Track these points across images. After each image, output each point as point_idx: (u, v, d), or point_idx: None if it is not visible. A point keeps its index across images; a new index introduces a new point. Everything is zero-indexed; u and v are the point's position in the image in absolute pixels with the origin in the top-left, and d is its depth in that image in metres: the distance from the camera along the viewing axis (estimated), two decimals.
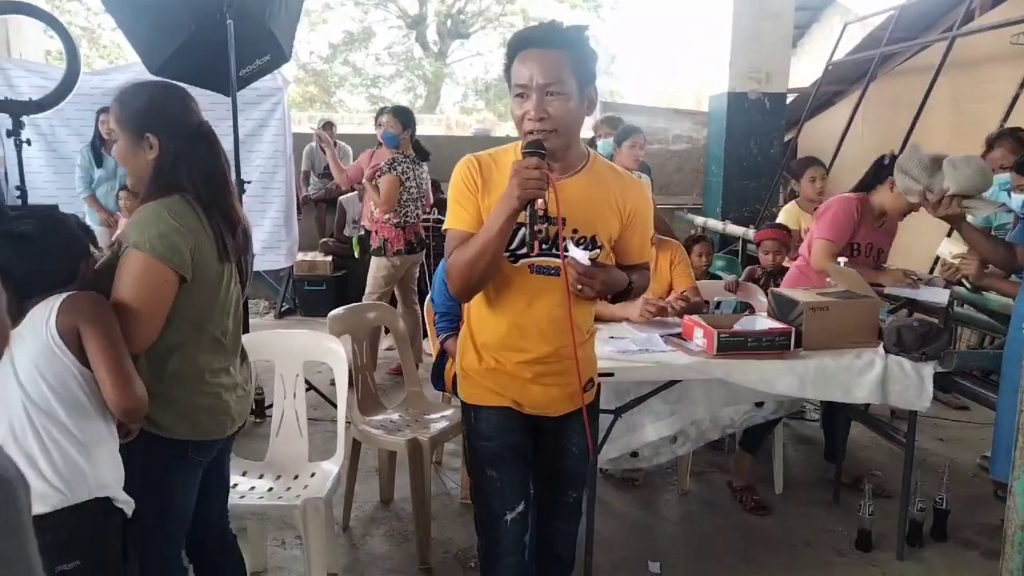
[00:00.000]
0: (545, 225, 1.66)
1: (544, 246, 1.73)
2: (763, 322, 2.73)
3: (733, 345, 2.53)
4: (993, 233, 3.51)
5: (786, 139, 7.24)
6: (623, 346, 2.59)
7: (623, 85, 19.20)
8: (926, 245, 4.65)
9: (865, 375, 2.60)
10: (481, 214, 1.75)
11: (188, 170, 1.74)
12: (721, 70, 6.79)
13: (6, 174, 5.16)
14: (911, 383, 2.61)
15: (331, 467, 2.56)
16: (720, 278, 4.21)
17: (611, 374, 2.37)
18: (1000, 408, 2.73)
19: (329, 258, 6.62)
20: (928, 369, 2.62)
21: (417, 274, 4.97)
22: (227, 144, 3.81)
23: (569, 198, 1.71)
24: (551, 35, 1.68)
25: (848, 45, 7.44)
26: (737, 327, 2.66)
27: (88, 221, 3.43)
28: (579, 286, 1.70)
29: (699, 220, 6.83)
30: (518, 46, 1.69)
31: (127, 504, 1.62)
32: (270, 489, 2.48)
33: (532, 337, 1.80)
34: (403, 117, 4.60)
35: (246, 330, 2.49)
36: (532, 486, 1.89)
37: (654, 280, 3.18)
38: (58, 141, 5.33)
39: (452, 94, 20.19)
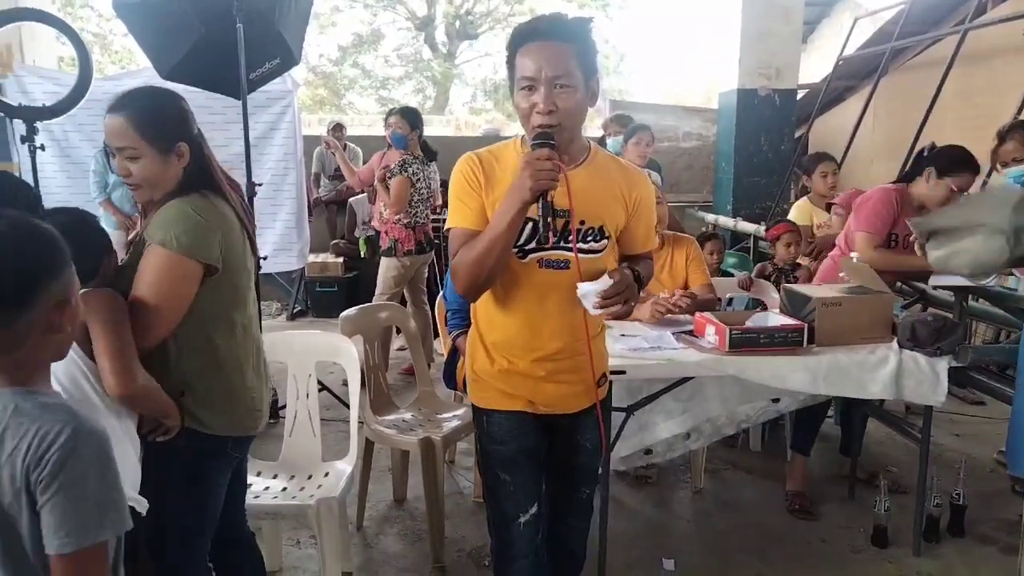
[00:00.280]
0: (553, 219, 1.64)
1: (552, 239, 1.70)
2: (775, 318, 2.72)
3: (745, 342, 2.52)
4: None
5: (796, 135, 7.21)
6: (635, 344, 2.59)
7: (632, 84, 19.19)
8: None
9: (879, 370, 2.58)
10: (485, 211, 1.73)
11: (212, 168, 1.79)
12: (730, 67, 6.76)
13: None
14: (925, 378, 2.59)
15: (344, 467, 2.57)
16: (732, 275, 4.20)
17: (623, 372, 2.37)
18: (1017, 403, 2.70)
19: (340, 259, 6.65)
20: (943, 364, 2.60)
21: (427, 274, 4.99)
22: (238, 147, 3.87)
23: (575, 190, 1.68)
24: (558, 27, 1.66)
25: (858, 40, 7.40)
26: (749, 323, 2.65)
27: (103, 225, 3.45)
28: (610, 309, 1.66)
29: (710, 217, 6.81)
30: (523, 38, 1.67)
31: (137, 503, 1.62)
32: (284, 489, 2.49)
33: (544, 334, 1.78)
34: (411, 118, 4.61)
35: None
36: (544, 485, 1.89)
37: (670, 277, 3.18)
38: (71, 146, 5.37)
39: (461, 95, 20.24)
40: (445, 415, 3.11)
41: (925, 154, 3.12)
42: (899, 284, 3.28)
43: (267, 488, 2.49)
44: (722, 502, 3.31)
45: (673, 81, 18.65)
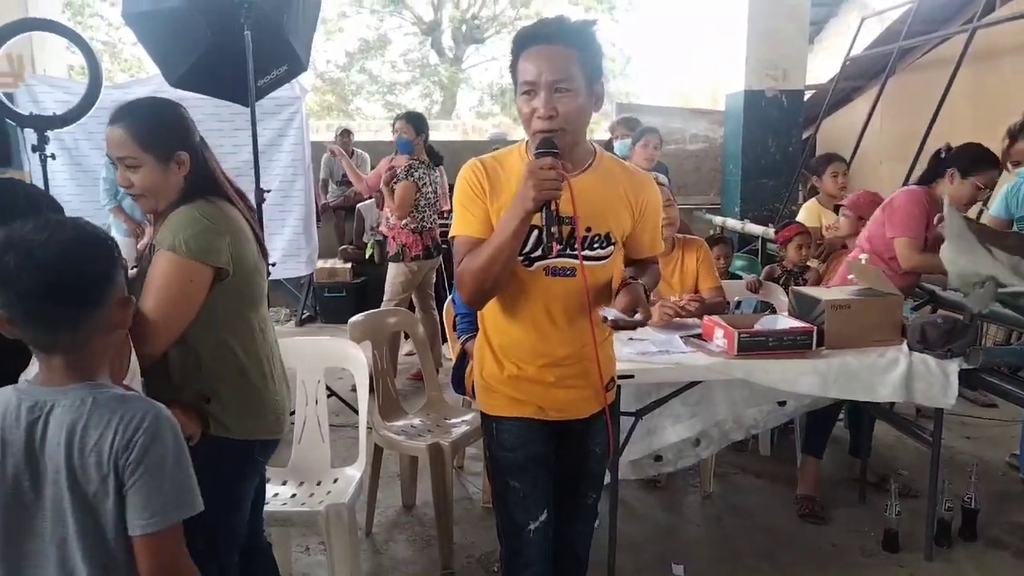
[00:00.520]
0: (559, 226, 1.63)
1: (559, 246, 1.69)
2: (784, 321, 2.71)
3: (754, 345, 2.52)
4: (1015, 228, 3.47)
5: (804, 136, 7.18)
6: (643, 348, 2.58)
7: (639, 86, 19.16)
8: None
9: (889, 373, 2.57)
10: (490, 218, 1.72)
11: (215, 174, 1.80)
12: (737, 68, 6.75)
13: None
14: (936, 381, 2.58)
15: (353, 473, 2.58)
16: (740, 278, 4.19)
17: (631, 376, 2.37)
18: None
19: (348, 265, 6.67)
20: (953, 366, 2.58)
21: (434, 279, 4.99)
22: (246, 154, 3.90)
23: (580, 196, 1.68)
24: (559, 31, 1.65)
25: (866, 40, 7.36)
26: (758, 327, 2.64)
27: (113, 232, 3.48)
28: (633, 325, 1.70)
29: (717, 220, 6.79)
30: (524, 42, 1.66)
31: None
32: (293, 495, 2.50)
33: (552, 340, 1.78)
34: (416, 122, 4.63)
35: None
36: (552, 492, 1.89)
37: (680, 280, 3.17)
38: (81, 155, 5.42)
39: (468, 99, 20.24)
40: (454, 420, 3.11)
41: (943, 155, 3.11)
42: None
43: (276, 495, 2.50)
44: (732, 506, 3.30)
45: (680, 83, 18.64)
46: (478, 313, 1.88)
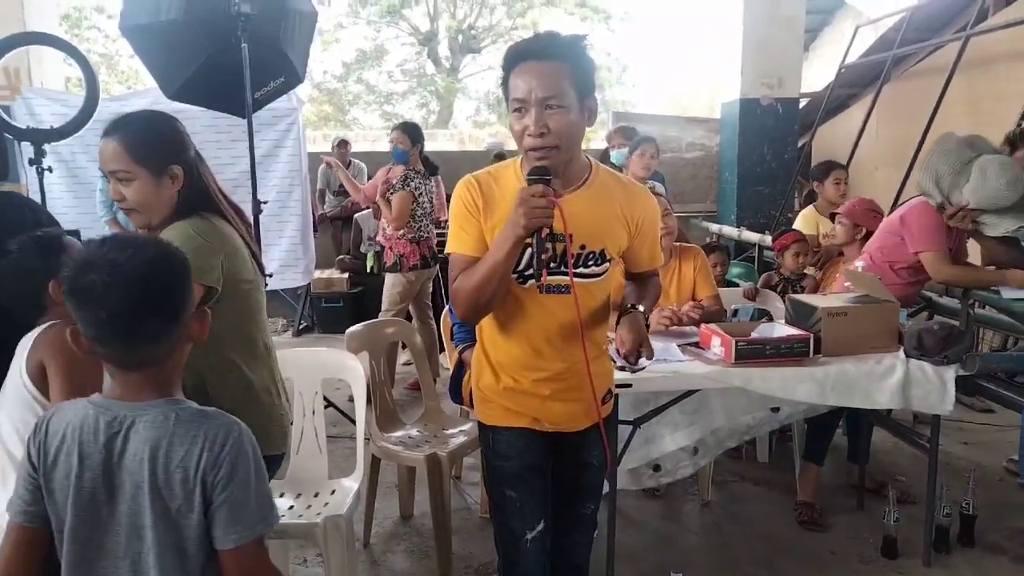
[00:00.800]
0: (552, 244, 1.63)
1: (552, 264, 1.70)
2: (781, 329, 2.72)
3: (751, 353, 2.52)
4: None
5: (800, 144, 7.21)
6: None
7: (635, 95, 19.24)
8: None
9: (886, 380, 2.57)
10: (484, 236, 1.73)
11: (210, 189, 1.78)
12: (733, 77, 6.78)
13: None
14: (933, 387, 2.58)
15: (351, 484, 2.57)
16: (737, 285, 4.20)
17: (629, 385, 2.37)
18: None
19: (346, 275, 6.67)
20: (950, 372, 2.59)
21: (431, 289, 5.00)
22: (244, 165, 3.90)
23: (574, 213, 1.68)
24: (548, 47, 1.63)
25: (860, 48, 7.40)
26: (755, 334, 2.64)
27: None
28: (636, 357, 1.76)
29: (714, 227, 6.80)
30: (514, 59, 1.65)
31: None
32: (291, 507, 2.49)
33: (546, 355, 1.79)
34: (412, 133, 4.64)
35: None
36: (550, 502, 1.89)
37: (679, 287, 3.17)
38: (78, 167, 5.42)
39: (465, 109, 20.33)
40: (451, 430, 3.11)
41: None
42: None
43: None
44: (730, 514, 3.30)
45: (676, 92, 18.70)
46: (477, 325, 1.89)
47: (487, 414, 1.88)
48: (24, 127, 3.95)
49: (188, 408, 1.26)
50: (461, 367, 2.92)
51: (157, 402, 1.24)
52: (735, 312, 3.93)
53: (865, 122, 6.66)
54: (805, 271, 3.95)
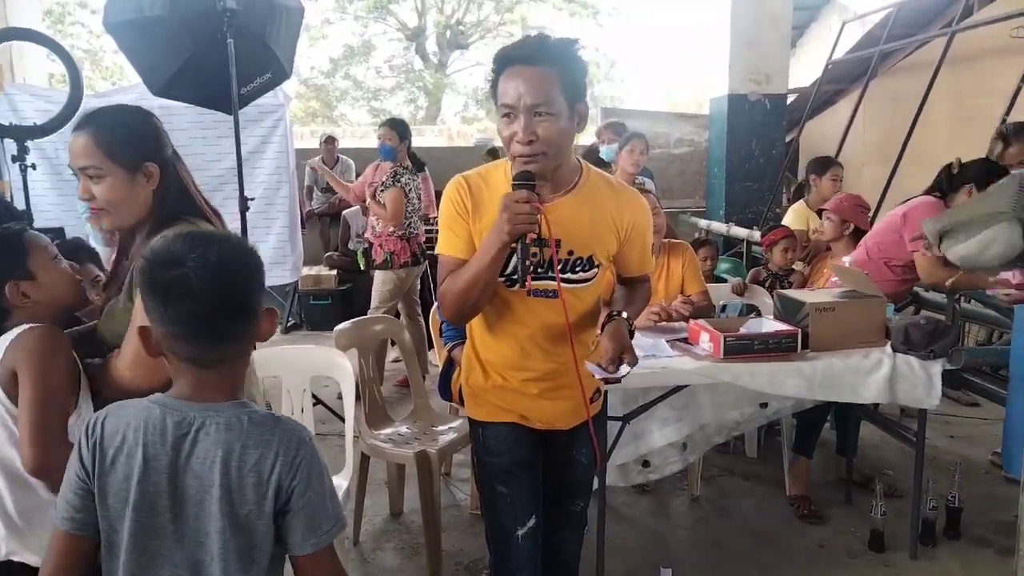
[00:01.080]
0: (539, 249, 1.62)
1: (539, 270, 1.69)
2: (769, 324, 2.73)
3: (740, 348, 2.53)
4: None
5: (787, 140, 7.24)
6: None
7: (624, 90, 19.26)
8: None
9: (873, 375, 2.59)
10: (472, 238, 1.72)
11: (190, 189, 1.67)
12: (721, 72, 6.79)
13: (12, 198, 5.20)
14: (919, 381, 2.60)
15: (340, 482, 2.56)
16: (725, 281, 4.21)
17: (617, 381, 2.36)
18: (1010, 404, 2.72)
19: (334, 272, 6.64)
20: (936, 367, 2.60)
21: (419, 286, 4.98)
22: (230, 162, 3.87)
23: (562, 219, 1.66)
24: (539, 51, 1.59)
25: (847, 44, 7.44)
26: (743, 330, 2.65)
27: (92, 242, 3.46)
28: (618, 365, 1.70)
29: (702, 223, 6.82)
30: (504, 62, 1.61)
31: None
32: None
33: (534, 356, 1.79)
34: (400, 129, 4.63)
35: None
36: (540, 498, 1.89)
37: (668, 283, 3.18)
38: (62, 164, 5.36)
39: (453, 104, 20.28)
40: (441, 428, 3.10)
41: (954, 171, 3.14)
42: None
43: None
44: (719, 509, 3.31)
45: (664, 87, 18.74)
46: (468, 324, 1.89)
47: (477, 410, 1.88)
48: (7, 124, 3.91)
49: (259, 411, 1.22)
50: (451, 364, 2.92)
51: (228, 404, 1.20)
52: (723, 308, 3.94)
53: (852, 118, 6.69)
54: (793, 267, 3.96)
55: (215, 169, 5.18)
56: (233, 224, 3.73)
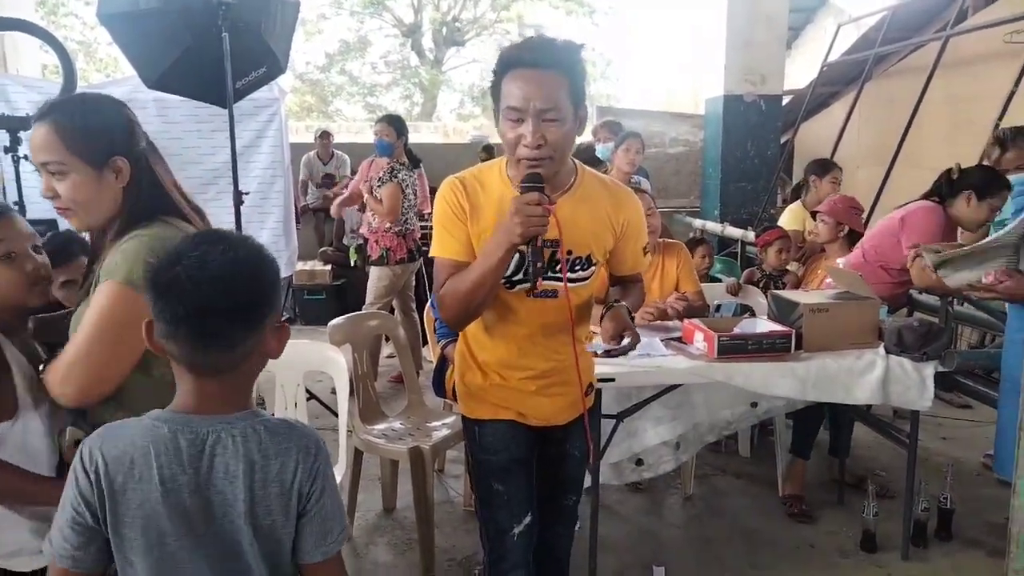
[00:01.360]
0: (543, 249, 1.63)
1: (543, 279, 1.68)
2: (763, 324, 2.73)
3: (734, 348, 2.53)
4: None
5: (782, 141, 7.25)
6: None
7: (620, 89, 19.27)
8: None
9: (866, 376, 2.59)
10: (471, 241, 1.71)
11: (164, 186, 1.52)
12: (717, 73, 6.81)
13: (3, 190, 5.17)
14: (912, 383, 2.61)
15: None
16: (720, 280, 4.21)
17: (612, 379, 2.37)
18: (1002, 406, 2.73)
19: (328, 267, 6.63)
20: (929, 369, 2.62)
21: (414, 282, 4.98)
22: (224, 155, 3.85)
23: (562, 219, 1.67)
24: (547, 55, 1.58)
25: (842, 46, 7.46)
26: (737, 330, 2.66)
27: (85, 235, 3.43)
28: (622, 352, 1.75)
29: (697, 223, 6.83)
30: (511, 64, 1.60)
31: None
32: None
33: (532, 355, 1.80)
34: (397, 125, 4.62)
35: None
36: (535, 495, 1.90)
37: (662, 283, 3.19)
38: None
39: (449, 101, 20.27)
40: (434, 423, 3.10)
41: (954, 176, 3.14)
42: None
43: None
44: (712, 508, 3.32)
45: (660, 86, 18.75)
46: None
47: (473, 408, 1.88)
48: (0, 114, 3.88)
49: (271, 419, 1.20)
50: (444, 362, 2.91)
51: (240, 415, 1.17)
52: (718, 307, 3.94)
53: (847, 120, 6.72)
54: (787, 267, 3.97)
55: (210, 163, 5.15)
56: (227, 218, 3.72)
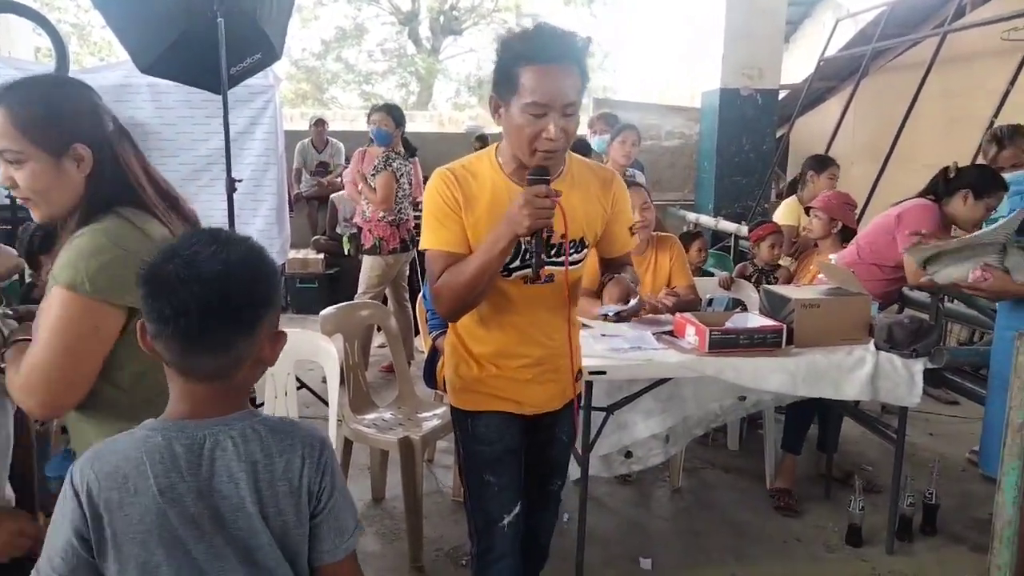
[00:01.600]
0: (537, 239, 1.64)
1: (545, 267, 1.71)
2: (755, 319, 2.74)
3: (725, 343, 2.54)
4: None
5: (778, 135, 7.25)
6: (615, 344, 2.59)
7: (617, 81, 19.22)
8: None
9: (856, 372, 2.60)
10: (466, 232, 1.72)
11: (130, 176, 1.42)
12: (714, 66, 6.79)
13: None
14: (901, 380, 2.62)
15: None
16: (712, 274, 4.22)
17: (603, 372, 2.38)
18: (989, 404, 2.75)
19: (321, 256, 6.62)
20: (918, 366, 2.63)
21: (408, 272, 4.97)
22: (218, 142, 3.83)
23: (563, 207, 1.68)
24: (568, 50, 1.60)
25: (840, 41, 7.45)
26: (729, 324, 2.66)
27: None
28: (634, 311, 1.81)
29: (691, 216, 6.84)
30: (530, 57, 1.57)
31: None
32: None
33: (528, 342, 1.82)
34: (396, 115, 4.61)
35: None
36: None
37: (655, 276, 3.19)
38: None
39: (445, 90, 20.18)
40: (425, 414, 3.10)
41: (951, 175, 3.15)
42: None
43: None
44: (700, 500, 3.34)
45: (658, 78, 18.71)
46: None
47: (467, 400, 1.88)
48: None
49: (271, 418, 1.17)
50: (435, 353, 2.91)
51: (237, 415, 1.13)
52: (710, 301, 3.95)
53: (843, 115, 6.72)
54: (780, 262, 3.98)
55: (203, 149, 5.13)
56: (220, 205, 3.70)
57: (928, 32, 6.34)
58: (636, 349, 2.57)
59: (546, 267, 1.70)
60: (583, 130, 5.51)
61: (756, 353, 2.56)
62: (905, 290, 3.49)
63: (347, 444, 2.99)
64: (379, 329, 4.65)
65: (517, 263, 1.73)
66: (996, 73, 5.24)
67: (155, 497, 1.06)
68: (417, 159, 5.05)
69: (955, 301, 3.68)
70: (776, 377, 2.54)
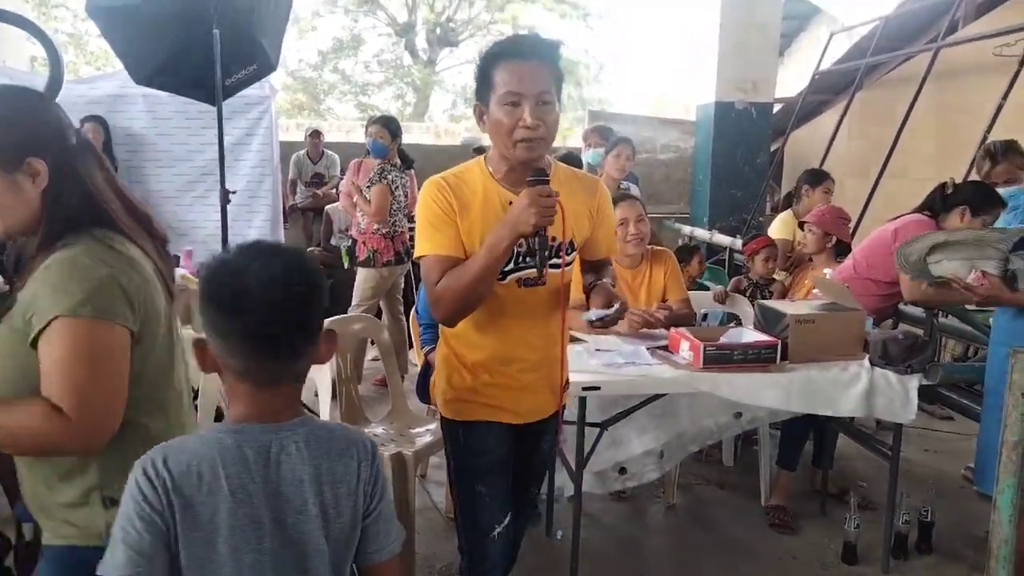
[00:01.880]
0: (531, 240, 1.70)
1: (529, 259, 1.76)
2: (749, 334, 2.73)
3: (719, 358, 2.53)
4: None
5: (772, 149, 7.28)
6: (609, 359, 2.58)
7: (611, 94, 19.30)
8: None
9: (851, 388, 2.59)
10: (461, 237, 1.74)
11: (93, 193, 1.33)
12: (708, 80, 6.82)
13: None
14: (896, 396, 2.61)
15: None
16: (707, 288, 4.22)
17: (597, 388, 2.36)
18: (984, 420, 2.74)
19: None
20: (913, 382, 2.62)
21: (403, 284, 4.95)
22: (213, 153, 3.82)
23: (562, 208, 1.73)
24: (537, 47, 1.69)
25: (834, 55, 7.50)
26: (723, 340, 2.65)
27: None
28: (617, 317, 1.81)
29: (686, 229, 6.85)
30: (503, 56, 1.69)
31: None
32: None
33: (522, 347, 1.83)
34: (393, 127, 4.60)
35: None
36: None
37: (650, 290, 3.18)
38: None
39: (441, 102, 20.22)
40: (418, 429, 3.08)
41: (948, 191, 3.15)
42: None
43: None
44: (695, 517, 3.31)
45: (652, 92, 18.79)
46: (440, 331, 1.91)
47: (459, 410, 1.88)
48: None
49: (325, 423, 1.23)
50: (428, 367, 2.90)
51: (298, 420, 1.17)
52: (705, 316, 3.95)
53: (836, 129, 6.74)
54: (774, 276, 3.98)
55: (199, 159, 5.13)
56: (214, 216, 3.69)
57: (921, 47, 6.38)
58: (630, 364, 2.55)
59: (531, 270, 1.76)
60: (576, 143, 5.53)
61: (751, 369, 2.55)
62: (900, 305, 3.49)
63: None
64: (372, 342, 4.63)
65: (511, 266, 1.75)
66: (989, 88, 5.27)
67: (227, 496, 1.09)
68: (413, 172, 5.04)
69: (949, 316, 3.68)
70: (771, 393, 2.53)
